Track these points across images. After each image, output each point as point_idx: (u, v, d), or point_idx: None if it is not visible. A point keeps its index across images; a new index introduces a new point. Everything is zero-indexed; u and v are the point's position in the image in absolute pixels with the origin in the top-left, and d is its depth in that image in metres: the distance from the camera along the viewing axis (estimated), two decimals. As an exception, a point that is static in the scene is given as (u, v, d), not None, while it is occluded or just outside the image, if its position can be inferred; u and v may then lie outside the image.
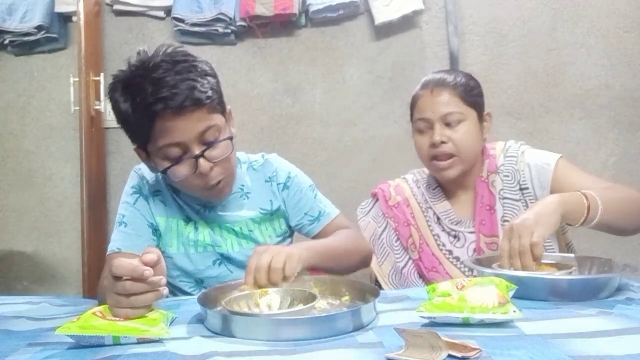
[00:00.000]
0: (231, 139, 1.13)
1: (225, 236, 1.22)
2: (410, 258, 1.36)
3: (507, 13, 2.35)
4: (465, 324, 0.79)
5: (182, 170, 1.08)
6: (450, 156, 1.27)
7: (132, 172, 1.26)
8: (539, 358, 0.65)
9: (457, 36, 2.32)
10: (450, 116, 1.26)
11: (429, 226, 1.35)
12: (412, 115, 1.35)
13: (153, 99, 1.02)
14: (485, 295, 0.80)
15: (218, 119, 1.10)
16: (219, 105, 1.11)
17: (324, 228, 1.28)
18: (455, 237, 1.33)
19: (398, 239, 1.37)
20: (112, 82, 1.13)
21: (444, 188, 1.38)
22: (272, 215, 1.27)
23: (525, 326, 0.77)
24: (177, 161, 1.08)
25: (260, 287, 0.95)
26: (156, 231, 1.21)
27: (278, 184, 1.28)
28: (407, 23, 2.36)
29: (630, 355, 0.65)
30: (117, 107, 1.11)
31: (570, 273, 1.00)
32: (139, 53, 1.11)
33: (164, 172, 1.10)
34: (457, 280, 0.87)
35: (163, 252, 1.15)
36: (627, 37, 2.30)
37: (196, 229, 1.21)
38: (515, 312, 0.79)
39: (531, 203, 1.28)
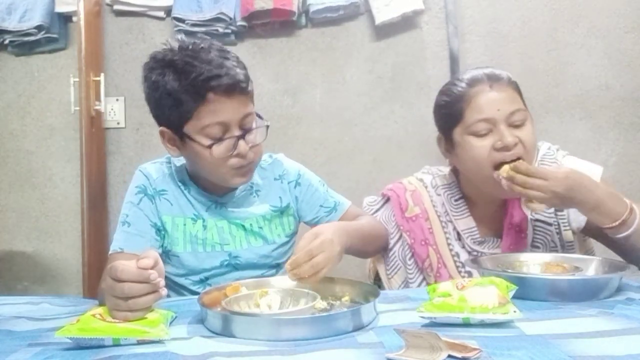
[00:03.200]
0: (267, 127, 1.19)
1: (234, 233, 1.23)
2: (424, 279, 1.24)
3: (507, 13, 2.35)
4: (465, 324, 0.79)
5: (222, 149, 1.11)
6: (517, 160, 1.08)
7: (136, 171, 1.25)
8: (539, 358, 0.65)
9: (457, 36, 2.32)
10: (517, 114, 1.11)
11: (449, 244, 1.21)
12: (454, 118, 1.16)
13: (206, 76, 1.06)
14: (485, 295, 0.80)
15: (253, 108, 1.16)
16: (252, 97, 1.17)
17: (342, 217, 1.29)
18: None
19: (412, 256, 1.24)
20: (149, 63, 1.14)
21: (468, 200, 1.22)
22: (281, 213, 1.28)
23: (525, 326, 0.77)
24: (217, 140, 1.11)
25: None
26: (160, 231, 1.21)
27: (289, 182, 1.30)
28: (407, 23, 2.36)
29: (630, 355, 0.65)
30: (158, 85, 1.11)
31: (573, 274, 1.00)
32: (178, 40, 1.15)
33: (209, 147, 1.10)
34: (457, 280, 0.87)
35: (169, 251, 1.21)
36: (627, 37, 2.30)
37: (204, 227, 1.21)
38: (515, 312, 0.79)
39: (564, 226, 1.16)
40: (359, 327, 0.81)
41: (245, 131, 1.13)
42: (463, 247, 1.20)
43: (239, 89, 1.09)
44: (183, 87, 1.08)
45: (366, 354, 0.69)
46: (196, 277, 1.23)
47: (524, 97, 1.18)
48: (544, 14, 2.33)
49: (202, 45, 1.12)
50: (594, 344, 0.70)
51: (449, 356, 0.65)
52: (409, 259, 1.25)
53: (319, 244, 1.00)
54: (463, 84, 1.15)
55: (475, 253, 1.19)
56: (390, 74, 2.39)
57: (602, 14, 2.30)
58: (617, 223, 1.01)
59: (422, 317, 0.81)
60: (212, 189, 1.23)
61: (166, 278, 1.18)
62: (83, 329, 0.76)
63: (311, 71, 2.44)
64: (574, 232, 1.20)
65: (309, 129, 2.45)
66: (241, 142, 1.12)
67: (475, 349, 0.66)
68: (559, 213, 1.19)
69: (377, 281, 1.35)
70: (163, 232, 1.21)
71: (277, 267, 1.28)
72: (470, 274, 1.18)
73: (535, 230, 1.18)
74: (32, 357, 0.74)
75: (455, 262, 1.20)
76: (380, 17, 2.32)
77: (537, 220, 1.18)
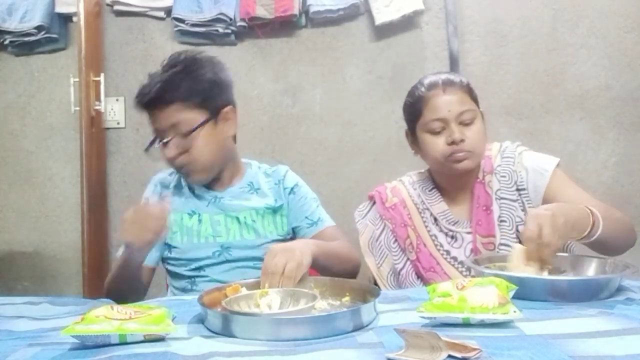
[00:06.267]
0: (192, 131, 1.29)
1: (228, 225, 1.36)
2: (408, 259, 1.36)
3: (507, 13, 2.34)
4: (465, 324, 0.79)
5: (157, 149, 1.32)
6: (466, 154, 1.27)
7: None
8: (539, 358, 0.65)
9: (457, 36, 2.32)
10: (466, 114, 1.27)
11: (426, 226, 1.35)
12: (414, 117, 1.34)
13: (138, 93, 1.31)
14: (485, 295, 0.81)
15: (188, 115, 1.28)
16: (198, 102, 1.29)
17: (320, 232, 1.40)
18: (452, 237, 1.33)
19: (395, 240, 1.37)
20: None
21: (440, 189, 1.38)
22: (274, 212, 1.39)
23: (525, 326, 0.77)
24: (157, 143, 1.33)
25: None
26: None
27: (285, 188, 1.42)
28: (407, 23, 2.36)
29: (630, 355, 0.65)
30: None
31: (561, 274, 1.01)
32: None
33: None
34: (457, 280, 0.87)
35: (170, 244, 1.37)
36: (627, 37, 2.30)
37: (199, 220, 1.36)
38: (515, 312, 0.79)
39: (528, 204, 1.28)
40: (359, 327, 0.81)
41: (165, 144, 1.29)
42: (440, 230, 1.35)
43: (155, 102, 1.27)
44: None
45: (366, 354, 0.69)
46: (192, 265, 1.35)
47: (478, 99, 1.33)
48: (544, 14, 2.33)
49: (165, 61, 1.34)
50: (594, 344, 0.70)
51: (449, 356, 0.65)
52: (393, 243, 1.38)
53: (282, 254, 1.04)
54: (423, 88, 1.32)
55: (450, 233, 1.34)
56: (390, 74, 2.39)
57: (602, 14, 2.30)
58: (584, 234, 1.08)
59: (422, 317, 0.81)
60: (213, 186, 1.39)
61: (166, 267, 1.42)
62: (89, 327, 0.77)
63: (311, 71, 2.44)
64: None
65: (309, 129, 2.45)
66: (164, 148, 1.29)
67: (475, 349, 0.66)
68: (522, 191, 1.29)
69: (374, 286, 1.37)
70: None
71: None
72: (448, 253, 1.32)
73: (501, 207, 1.30)
74: (32, 357, 0.74)
75: (433, 241, 1.35)
76: (380, 18, 2.32)
77: (502, 198, 1.30)
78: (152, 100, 1.27)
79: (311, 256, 1.08)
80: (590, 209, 1.08)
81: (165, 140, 1.28)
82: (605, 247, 1.15)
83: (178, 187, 1.42)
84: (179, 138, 1.27)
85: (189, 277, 1.36)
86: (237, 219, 1.36)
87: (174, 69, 1.30)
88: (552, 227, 0.99)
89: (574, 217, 1.05)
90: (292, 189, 1.42)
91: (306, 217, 1.41)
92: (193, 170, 1.32)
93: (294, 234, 1.42)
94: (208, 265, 1.35)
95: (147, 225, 1.10)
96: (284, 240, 1.38)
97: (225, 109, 1.35)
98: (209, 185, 1.39)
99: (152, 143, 1.34)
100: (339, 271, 1.26)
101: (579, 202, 1.15)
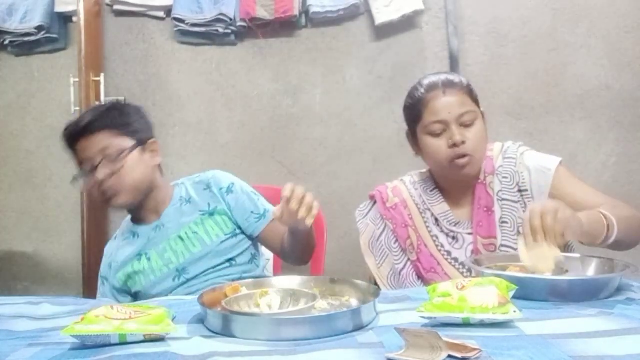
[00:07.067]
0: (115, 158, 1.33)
1: (174, 248, 1.39)
2: (408, 259, 1.36)
3: (507, 13, 2.35)
4: (465, 324, 0.79)
5: (83, 182, 1.36)
6: (468, 156, 1.25)
7: None
8: (539, 358, 0.65)
9: (457, 36, 2.32)
10: (467, 115, 1.25)
11: (427, 227, 1.35)
12: (415, 119, 1.32)
13: (69, 126, 1.35)
14: (485, 295, 0.80)
15: (116, 141, 1.33)
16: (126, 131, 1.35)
17: (270, 224, 1.41)
18: (453, 238, 1.32)
19: (396, 240, 1.37)
20: None
21: (442, 190, 1.37)
22: (211, 215, 1.41)
23: (525, 326, 0.77)
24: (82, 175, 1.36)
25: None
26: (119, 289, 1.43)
27: (220, 189, 1.44)
28: (407, 23, 2.36)
29: (630, 355, 0.65)
30: None
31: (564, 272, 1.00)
32: None
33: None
34: (457, 280, 0.87)
35: (135, 293, 1.41)
36: (627, 37, 2.30)
37: (148, 259, 1.39)
38: (515, 312, 0.79)
39: (530, 205, 1.27)
40: (359, 327, 0.81)
41: (95, 167, 1.32)
42: (441, 231, 1.34)
43: (85, 131, 1.32)
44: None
45: (366, 354, 0.69)
46: (162, 297, 1.33)
47: (478, 99, 1.32)
48: (544, 14, 2.33)
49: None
50: (594, 344, 0.70)
51: (449, 356, 0.65)
52: (394, 244, 1.37)
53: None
54: (422, 90, 1.30)
55: (452, 234, 1.32)
56: (390, 74, 2.39)
57: (602, 14, 2.30)
58: (599, 242, 1.08)
59: (422, 317, 0.81)
60: (148, 218, 1.43)
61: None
62: (89, 327, 0.77)
63: (311, 71, 2.44)
64: None
65: (309, 129, 2.45)
66: (92, 173, 1.32)
67: (475, 349, 0.66)
68: (524, 192, 1.28)
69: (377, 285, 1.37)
70: (123, 286, 1.41)
71: (231, 261, 1.40)
72: (449, 254, 1.31)
73: (502, 208, 1.29)
74: (32, 357, 0.74)
75: (434, 242, 1.33)
76: (380, 18, 2.32)
77: (503, 199, 1.29)
78: (82, 128, 1.32)
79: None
80: (604, 215, 1.07)
81: (95, 164, 1.31)
82: (619, 246, 1.13)
83: (121, 246, 1.44)
84: (107, 162, 1.31)
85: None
86: (180, 237, 1.39)
87: (101, 107, 1.40)
88: (553, 209, 0.98)
89: (586, 223, 1.03)
90: (228, 188, 1.43)
91: (252, 212, 1.42)
92: (119, 192, 1.33)
93: (241, 231, 1.43)
94: (174, 291, 1.37)
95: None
96: (233, 236, 1.41)
97: (151, 140, 1.41)
98: (144, 220, 1.43)
99: (78, 176, 1.36)
100: (304, 245, 1.31)
101: (584, 199, 1.14)
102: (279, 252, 1.43)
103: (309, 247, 1.33)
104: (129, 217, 1.48)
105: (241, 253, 1.42)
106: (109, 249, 1.49)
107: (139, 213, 1.43)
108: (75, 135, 1.33)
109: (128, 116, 1.38)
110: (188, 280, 1.37)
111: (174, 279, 1.37)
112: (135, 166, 1.33)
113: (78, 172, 1.35)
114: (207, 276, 1.38)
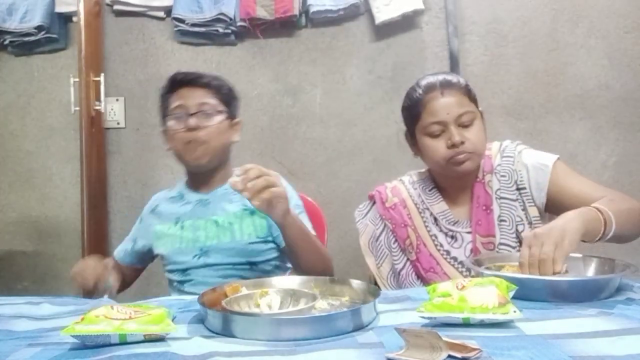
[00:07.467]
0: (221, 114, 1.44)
1: (207, 229, 1.42)
2: (408, 259, 1.36)
3: (507, 13, 2.35)
4: (465, 324, 0.79)
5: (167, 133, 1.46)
6: (467, 155, 1.26)
7: None
8: (539, 358, 0.65)
9: (457, 36, 2.32)
10: (465, 116, 1.26)
11: (426, 226, 1.35)
12: (413, 120, 1.33)
13: (178, 73, 1.46)
14: (485, 295, 0.80)
15: (215, 102, 1.44)
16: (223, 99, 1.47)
17: None
18: (452, 237, 1.33)
19: (395, 240, 1.37)
20: None
21: (441, 189, 1.38)
22: (252, 214, 1.41)
23: (525, 326, 0.77)
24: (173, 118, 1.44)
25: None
26: (145, 245, 1.53)
27: None
28: (407, 23, 2.36)
29: (630, 355, 0.65)
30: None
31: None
32: None
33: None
34: (457, 280, 0.87)
35: (161, 253, 1.48)
36: (627, 37, 2.30)
37: (182, 227, 1.45)
38: (515, 312, 0.79)
39: (528, 203, 1.28)
40: (359, 327, 0.81)
41: (189, 115, 1.39)
42: (440, 230, 1.34)
43: (192, 82, 1.42)
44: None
45: (366, 354, 0.69)
46: (178, 269, 1.44)
47: (477, 99, 1.33)
48: (544, 14, 2.33)
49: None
50: (594, 344, 0.70)
51: (449, 356, 0.65)
52: (393, 243, 1.37)
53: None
54: (420, 91, 1.31)
55: (450, 233, 1.33)
56: (390, 74, 2.39)
57: (602, 14, 2.30)
58: (597, 239, 1.08)
59: (422, 317, 0.81)
60: (201, 188, 1.48)
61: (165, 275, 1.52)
62: (89, 327, 0.77)
63: (311, 71, 2.44)
64: (539, 209, 1.29)
65: (309, 129, 2.45)
66: (187, 118, 1.39)
67: (475, 349, 0.66)
68: (522, 190, 1.29)
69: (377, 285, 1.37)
70: (150, 244, 1.50)
71: (252, 265, 1.40)
72: (448, 253, 1.31)
73: (501, 207, 1.30)
74: (32, 357, 0.74)
75: (433, 241, 1.34)
76: (380, 17, 2.32)
77: (502, 197, 1.30)
78: (190, 79, 1.42)
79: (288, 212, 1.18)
80: (600, 210, 1.06)
81: (190, 112, 1.38)
82: (619, 239, 1.13)
83: (169, 200, 1.52)
84: (202, 115, 1.39)
85: (178, 281, 1.44)
86: (216, 222, 1.42)
87: (220, 77, 1.50)
88: (542, 242, 0.97)
89: (575, 226, 1.01)
90: None
91: None
92: (200, 146, 1.39)
93: (272, 239, 1.40)
94: (191, 268, 1.41)
95: (86, 276, 1.33)
96: (264, 242, 1.39)
97: (238, 118, 1.51)
98: (197, 188, 1.49)
99: (168, 118, 1.43)
100: (313, 260, 1.27)
101: (583, 193, 1.15)
102: (295, 266, 1.36)
103: (309, 251, 1.27)
104: (184, 180, 1.55)
105: (265, 261, 1.41)
106: (157, 197, 1.57)
107: (197, 179, 1.49)
108: (182, 81, 1.42)
109: (230, 91, 1.49)
110: (207, 265, 1.40)
111: (194, 257, 1.41)
112: (221, 131, 1.42)
113: (167, 116, 1.43)
114: (225, 271, 1.39)
